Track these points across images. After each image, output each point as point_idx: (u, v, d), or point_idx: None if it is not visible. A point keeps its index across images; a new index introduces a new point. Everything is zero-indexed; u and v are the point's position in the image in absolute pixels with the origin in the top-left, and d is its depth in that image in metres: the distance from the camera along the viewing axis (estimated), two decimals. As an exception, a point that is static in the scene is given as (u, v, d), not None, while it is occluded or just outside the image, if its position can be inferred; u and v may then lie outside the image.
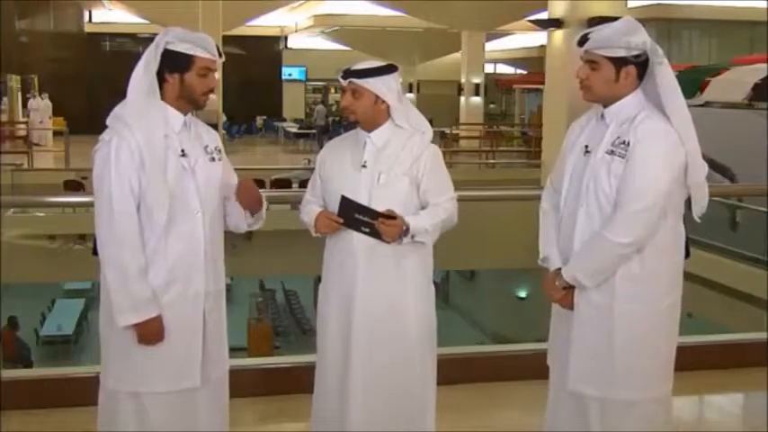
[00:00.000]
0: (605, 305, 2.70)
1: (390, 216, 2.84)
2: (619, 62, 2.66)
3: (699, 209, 2.75)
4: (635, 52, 2.65)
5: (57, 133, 20.18)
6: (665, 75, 2.66)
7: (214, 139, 2.88)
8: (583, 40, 2.70)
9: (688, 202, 2.76)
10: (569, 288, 2.75)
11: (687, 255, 2.82)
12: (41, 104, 22.65)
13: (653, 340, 2.74)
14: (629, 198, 2.60)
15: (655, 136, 2.61)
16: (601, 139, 2.69)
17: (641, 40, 2.65)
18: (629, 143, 2.62)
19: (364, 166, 2.95)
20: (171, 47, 2.69)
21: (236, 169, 2.95)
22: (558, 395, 2.89)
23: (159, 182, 2.64)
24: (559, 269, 2.76)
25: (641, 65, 2.67)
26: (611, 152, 2.65)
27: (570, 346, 2.77)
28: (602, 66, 2.67)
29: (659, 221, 2.64)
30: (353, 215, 2.87)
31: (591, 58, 2.68)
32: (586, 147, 2.74)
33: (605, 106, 2.73)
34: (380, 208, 2.86)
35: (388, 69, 2.97)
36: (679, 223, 2.75)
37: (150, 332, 2.66)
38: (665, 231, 2.68)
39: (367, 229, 2.86)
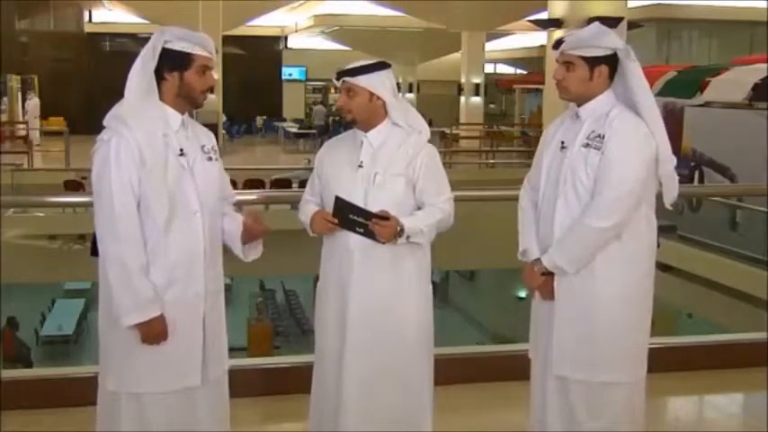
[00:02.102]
0: (586, 289, 2.81)
1: (384, 217, 2.84)
2: (592, 62, 2.83)
3: (669, 198, 2.91)
4: (607, 52, 2.82)
5: (56, 133, 20.16)
6: (636, 73, 2.83)
7: (211, 138, 2.89)
8: (558, 44, 2.89)
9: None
10: (548, 275, 2.84)
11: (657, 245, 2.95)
12: (30, 104, 22.74)
13: (632, 323, 2.87)
14: (608, 185, 2.74)
15: (629, 128, 2.78)
16: (576, 135, 2.85)
17: (612, 40, 2.83)
18: (603, 136, 2.77)
19: (361, 166, 2.96)
20: (169, 46, 2.70)
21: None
22: (541, 384, 2.96)
23: (159, 181, 2.63)
24: (538, 259, 2.86)
25: (612, 66, 2.84)
26: (587, 145, 2.80)
27: (552, 331, 2.87)
28: (577, 66, 2.84)
29: (635, 208, 2.78)
30: (348, 215, 2.88)
31: (567, 59, 2.86)
32: (562, 143, 2.89)
33: (579, 105, 2.89)
34: (376, 208, 2.87)
35: (381, 66, 2.99)
36: (651, 213, 2.89)
37: (154, 331, 2.66)
38: (640, 219, 2.82)
39: (361, 230, 2.86)
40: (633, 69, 2.82)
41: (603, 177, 2.74)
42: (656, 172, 2.82)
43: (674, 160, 2.87)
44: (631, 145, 2.76)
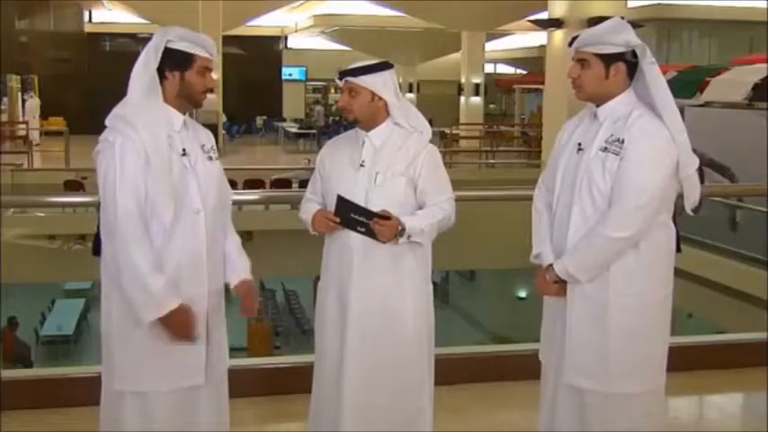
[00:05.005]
0: (600, 298, 2.73)
1: (386, 216, 2.84)
2: (607, 59, 2.72)
3: (691, 202, 2.80)
4: (622, 49, 2.71)
5: (56, 133, 20.17)
6: (654, 74, 2.73)
7: (210, 138, 2.89)
8: (573, 41, 2.78)
9: (680, 202, 2.81)
10: (561, 282, 2.77)
11: (678, 250, 2.87)
12: (29, 104, 22.76)
13: (648, 333, 2.79)
14: (627, 194, 2.64)
15: (649, 134, 2.67)
16: (594, 137, 2.74)
17: (628, 37, 2.72)
18: (623, 141, 2.67)
19: (362, 166, 2.96)
20: (172, 45, 2.70)
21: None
22: (553, 390, 2.90)
23: (165, 181, 2.63)
24: (551, 264, 2.79)
25: (630, 64, 2.73)
26: (605, 149, 2.69)
27: (565, 339, 2.79)
28: (591, 63, 2.73)
29: (653, 217, 2.69)
30: (349, 215, 2.88)
31: (581, 57, 2.75)
32: (579, 145, 2.79)
33: (598, 105, 2.78)
34: (377, 208, 2.87)
35: (384, 66, 2.99)
36: (669, 219, 2.80)
37: (178, 322, 2.63)
38: (659, 226, 2.73)
39: (363, 229, 2.87)
40: (652, 69, 2.71)
41: (622, 185, 2.64)
42: (676, 176, 2.71)
43: (696, 162, 2.75)
44: (652, 153, 2.65)
